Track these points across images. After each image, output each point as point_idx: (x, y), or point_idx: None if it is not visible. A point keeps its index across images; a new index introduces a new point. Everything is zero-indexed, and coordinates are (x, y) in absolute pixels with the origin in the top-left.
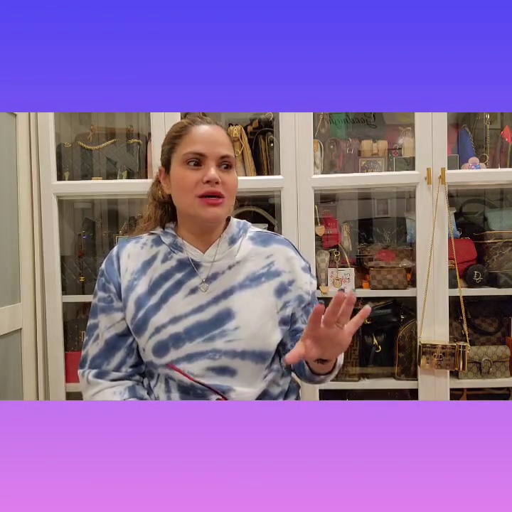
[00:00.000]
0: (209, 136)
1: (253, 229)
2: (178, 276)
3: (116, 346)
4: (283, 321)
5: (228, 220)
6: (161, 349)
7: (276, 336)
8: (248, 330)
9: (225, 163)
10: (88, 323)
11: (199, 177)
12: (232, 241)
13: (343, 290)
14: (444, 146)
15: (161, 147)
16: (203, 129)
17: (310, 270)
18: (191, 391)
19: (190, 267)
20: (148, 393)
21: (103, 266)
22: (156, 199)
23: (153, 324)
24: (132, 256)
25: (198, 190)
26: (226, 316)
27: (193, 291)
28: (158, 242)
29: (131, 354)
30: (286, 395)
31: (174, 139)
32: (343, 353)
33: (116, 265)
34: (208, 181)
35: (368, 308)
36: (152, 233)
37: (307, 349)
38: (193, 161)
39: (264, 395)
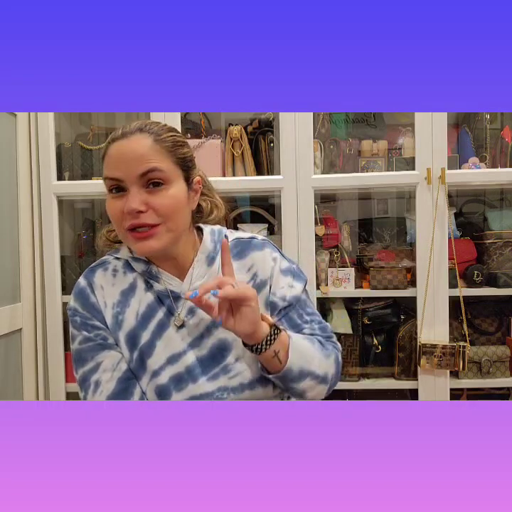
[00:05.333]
0: (122, 154)
1: (229, 236)
2: (164, 308)
3: (133, 383)
4: None
5: (201, 232)
6: (162, 393)
7: None
8: (249, 358)
9: (151, 182)
10: (78, 376)
11: (122, 206)
12: (211, 260)
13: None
14: (444, 146)
15: None
16: (118, 147)
17: (295, 272)
18: None
19: (170, 299)
20: None
21: (73, 303)
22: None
23: (151, 367)
24: (106, 286)
25: (125, 223)
26: (223, 347)
27: (182, 324)
28: (130, 267)
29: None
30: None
31: (102, 160)
32: (299, 361)
33: (93, 299)
34: (128, 213)
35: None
36: (117, 258)
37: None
38: (114, 188)
39: None
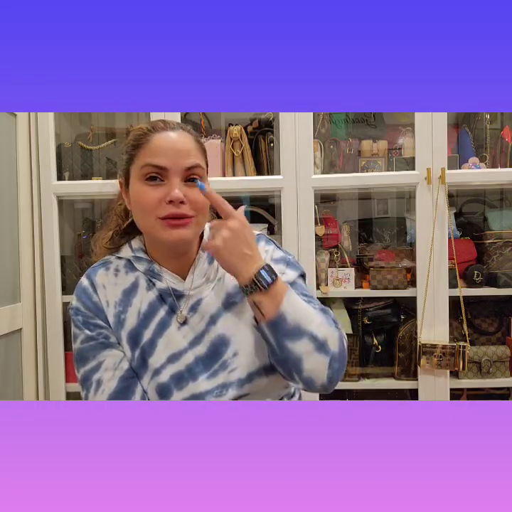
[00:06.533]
0: (171, 144)
1: None
2: (166, 306)
3: (135, 381)
4: None
5: (201, 234)
6: (162, 392)
7: None
8: (246, 351)
9: (192, 177)
10: (80, 375)
11: (161, 195)
12: (212, 258)
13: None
14: (444, 146)
15: (121, 155)
16: (165, 137)
17: (289, 261)
18: None
19: (172, 297)
20: None
21: (76, 303)
22: (117, 217)
23: (152, 365)
24: (108, 286)
25: (160, 212)
26: (222, 343)
27: (184, 321)
28: (132, 266)
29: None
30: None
31: (133, 148)
32: (290, 309)
33: (95, 298)
34: (171, 201)
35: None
36: (119, 257)
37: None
38: (153, 176)
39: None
